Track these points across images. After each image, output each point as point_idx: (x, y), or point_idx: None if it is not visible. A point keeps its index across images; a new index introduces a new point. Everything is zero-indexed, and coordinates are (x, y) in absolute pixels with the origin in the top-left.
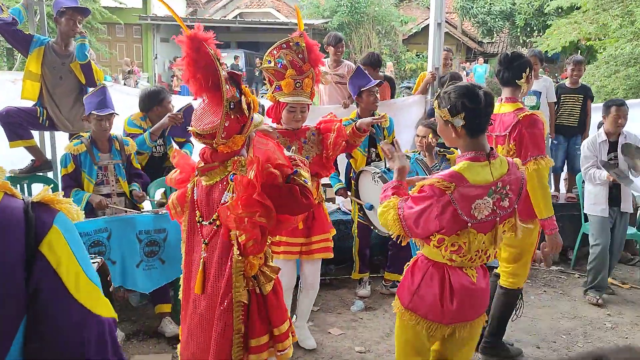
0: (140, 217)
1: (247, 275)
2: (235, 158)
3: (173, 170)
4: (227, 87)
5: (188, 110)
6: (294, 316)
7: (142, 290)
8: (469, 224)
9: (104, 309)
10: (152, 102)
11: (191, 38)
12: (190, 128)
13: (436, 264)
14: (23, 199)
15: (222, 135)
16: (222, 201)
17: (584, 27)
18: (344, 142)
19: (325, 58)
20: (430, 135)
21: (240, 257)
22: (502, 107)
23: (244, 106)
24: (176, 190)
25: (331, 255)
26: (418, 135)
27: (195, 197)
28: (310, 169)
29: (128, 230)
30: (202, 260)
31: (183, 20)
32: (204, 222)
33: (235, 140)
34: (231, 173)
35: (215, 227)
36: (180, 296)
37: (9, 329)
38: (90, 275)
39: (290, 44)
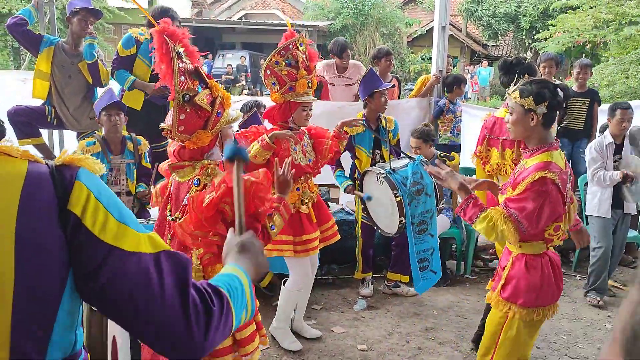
0: (147, 227)
1: (207, 276)
2: (206, 162)
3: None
4: (183, 78)
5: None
6: (293, 312)
7: None
8: (566, 206)
9: (140, 245)
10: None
11: (157, 33)
12: (161, 126)
13: (542, 255)
14: (46, 163)
15: (179, 129)
16: (183, 202)
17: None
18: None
19: (333, 60)
20: (423, 145)
21: (200, 267)
22: (507, 112)
23: (202, 99)
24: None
25: (339, 237)
26: (412, 147)
27: (171, 190)
28: (308, 169)
29: None
30: None
31: (189, 21)
32: (169, 217)
33: (200, 136)
34: (196, 177)
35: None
36: None
37: (55, 286)
38: (119, 217)
39: (297, 43)
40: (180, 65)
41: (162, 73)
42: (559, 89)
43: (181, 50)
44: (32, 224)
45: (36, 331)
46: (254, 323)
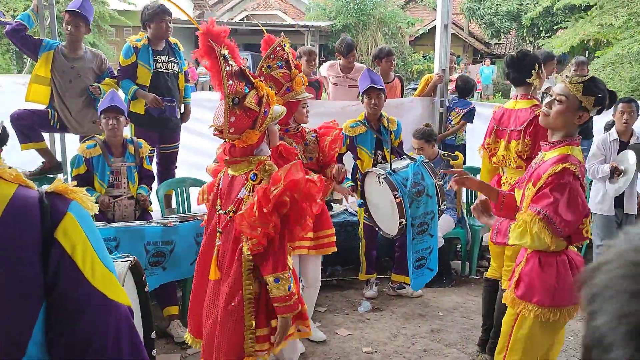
0: (150, 228)
1: (254, 268)
2: (263, 158)
3: (214, 161)
4: (231, 82)
5: (172, 108)
6: None
7: None
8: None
9: (120, 296)
10: (151, 18)
11: (203, 34)
12: (210, 126)
13: (559, 253)
14: (38, 190)
15: (230, 131)
16: (239, 195)
17: (590, 29)
18: (337, 149)
19: (338, 60)
20: (426, 146)
21: (250, 257)
22: (517, 104)
23: (251, 101)
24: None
25: (335, 249)
26: (414, 148)
27: (220, 187)
28: (311, 166)
29: (136, 240)
30: (216, 247)
31: (190, 23)
32: (220, 211)
33: (249, 135)
34: (253, 172)
35: (228, 219)
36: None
37: (29, 316)
38: (105, 262)
39: (282, 46)
40: (227, 68)
41: (212, 76)
42: (611, 95)
43: (226, 52)
44: (10, 251)
45: None
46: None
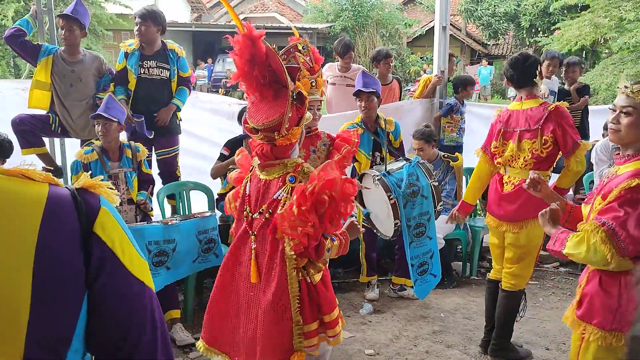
0: (150, 227)
1: (297, 266)
2: (300, 161)
3: (235, 169)
4: (289, 78)
5: (139, 124)
6: None
7: None
8: None
9: (151, 282)
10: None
11: (246, 37)
12: (248, 125)
13: (623, 273)
14: (66, 187)
15: (286, 127)
16: (275, 196)
17: (594, 23)
18: (346, 166)
19: (335, 62)
20: (426, 147)
21: (294, 256)
22: (523, 104)
23: (302, 97)
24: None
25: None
26: (414, 149)
27: (247, 192)
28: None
29: (138, 240)
30: (253, 250)
31: (188, 26)
32: (253, 215)
33: (294, 132)
34: (290, 174)
35: (264, 220)
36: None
37: (73, 309)
38: (139, 251)
39: (299, 47)
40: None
41: (253, 82)
42: None
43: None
44: (54, 249)
45: (49, 358)
46: (338, 307)
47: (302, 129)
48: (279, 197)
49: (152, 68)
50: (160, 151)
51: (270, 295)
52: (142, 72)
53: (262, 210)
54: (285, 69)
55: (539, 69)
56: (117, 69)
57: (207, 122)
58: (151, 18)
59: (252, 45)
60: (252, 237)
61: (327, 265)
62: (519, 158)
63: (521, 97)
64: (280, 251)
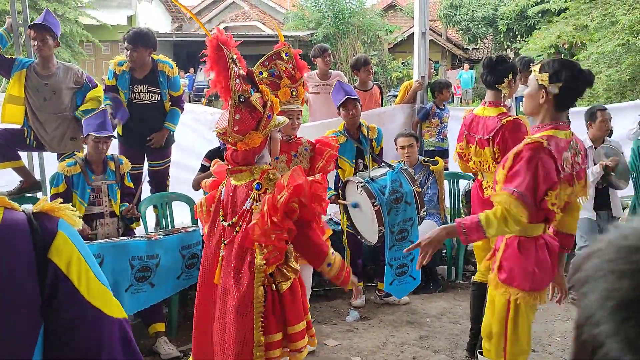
0: (134, 242)
1: (265, 273)
2: (265, 167)
3: (211, 178)
4: (238, 81)
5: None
6: None
7: (127, 312)
8: (562, 175)
9: (114, 309)
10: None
11: (211, 41)
12: (214, 130)
13: (537, 238)
14: (23, 211)
15: (234, 129)
16: (244, 207)
17: (565, 29)
18: (329, 170)
19: (313, 70)
20: (415, 143)
21: (264, 266)
22: (485, 111)
23: (256, 100)
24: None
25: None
26: (402, 147)
27: (222, 198)
28: None
29: (121, 256)
30: (220, 258)
31: (169, 36)
32: (224, 223)
33: (252, 137)
34: (257, 182)
35: (234, 233)
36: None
37: (29, 339)
38: (99, 277)
39: (281, 54)
40: (235, 69)
41: (219, 85)
42: (585, 73)
43: (234, 56)
44: (5, 274)
45: None
46: (305, 321)
47: (273, 134)
48: (248, 207)
49: (143, 93)
50: (153, 162)
51: (237, 305)
52: (134, 97)
53: (234, 221)
54: (233, 71)
55: (509, 77)
56: (108, 84)
57: (190, 132)
58: (142, 43)
59: (215, 49)
60: (223, 245)
61: (302, 276)
62: (486, 163)
63: (485, 102)
64: (249, 262)
